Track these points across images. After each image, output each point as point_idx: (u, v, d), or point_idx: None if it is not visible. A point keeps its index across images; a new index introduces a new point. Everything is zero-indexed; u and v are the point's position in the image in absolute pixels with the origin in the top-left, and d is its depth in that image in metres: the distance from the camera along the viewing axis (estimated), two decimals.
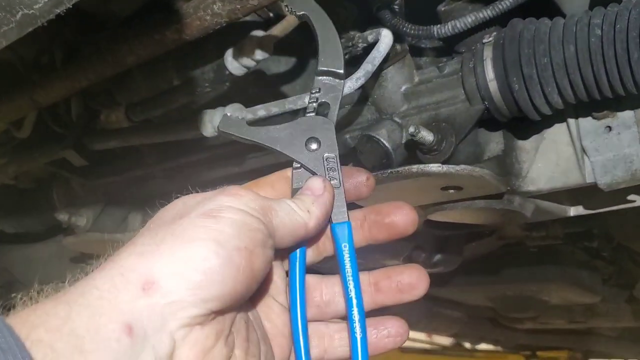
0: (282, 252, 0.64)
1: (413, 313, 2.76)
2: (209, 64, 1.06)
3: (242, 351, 0.55)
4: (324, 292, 0.68)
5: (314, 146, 0.67)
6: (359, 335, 0.62)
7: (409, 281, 0.67)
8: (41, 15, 0.54)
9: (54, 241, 1.78)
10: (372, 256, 1.64)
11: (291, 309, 0.63)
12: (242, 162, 1.27)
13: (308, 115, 0.69)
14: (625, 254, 2.00)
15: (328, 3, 0.75)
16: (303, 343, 0.61)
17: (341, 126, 1.10)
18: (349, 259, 0.64)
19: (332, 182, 0.65)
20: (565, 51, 0.86)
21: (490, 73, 0.92)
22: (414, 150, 0.99)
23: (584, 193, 1.07)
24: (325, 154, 0.66)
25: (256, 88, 1.11)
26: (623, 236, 1.83)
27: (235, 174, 1.33)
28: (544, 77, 0.87)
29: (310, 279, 0.67)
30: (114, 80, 1.19)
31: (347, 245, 0.65)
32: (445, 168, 0.93)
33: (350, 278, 0.64)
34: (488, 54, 0.93)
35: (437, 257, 1.62)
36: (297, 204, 0.61)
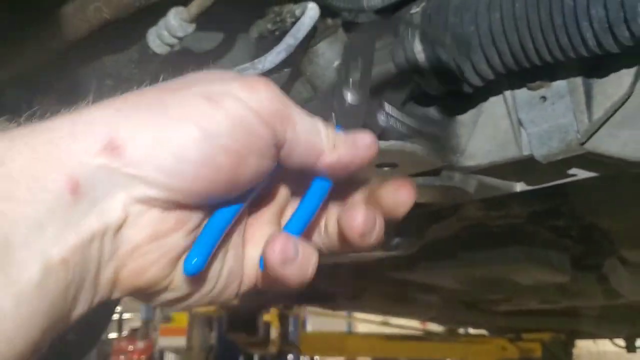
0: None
1: (388, 298, 2.75)
2: (134, 45, 1.03)
3: None
4: None
5: None
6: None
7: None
8: None
9: None
10: None
11: None
12: None
13: None
14: (593, 232, 1.98)
15: None
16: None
17: None
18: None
19: None
20: (492, 18, 0.83)
21: (417, 44, 0.89)
22: None
23: (527, 168, 1.04)
24: None
25: (186, 66, 1.08)
26: (588, 213, 1.82)
27: None
28: (471, 46, 0.84)
29: None
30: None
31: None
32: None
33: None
34: (416, 24, 0.90)
35: (396, 240, 1.60)
36: (327, 131, 0.51)
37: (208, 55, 1.16)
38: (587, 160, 0.96)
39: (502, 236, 1.91)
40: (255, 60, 0.87)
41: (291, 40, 0.87)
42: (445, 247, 1.97)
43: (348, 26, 1.05)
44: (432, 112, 1.01)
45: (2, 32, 1.06)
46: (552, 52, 0.81)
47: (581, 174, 1.06)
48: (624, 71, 0.87)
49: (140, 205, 0.43)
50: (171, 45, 0.94)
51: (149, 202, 0.44)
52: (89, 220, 0.41)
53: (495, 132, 0.99)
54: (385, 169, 0.98)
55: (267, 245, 0.47)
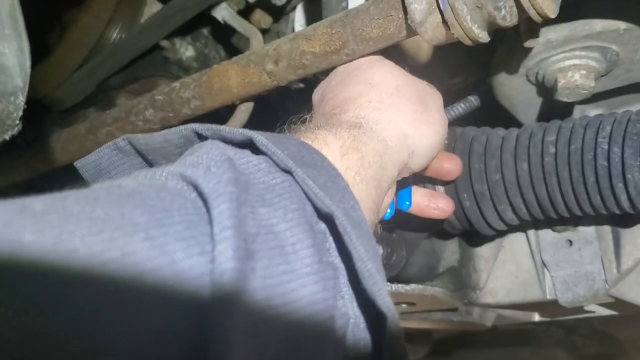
0: None
1: None
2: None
3: None
4: None
5: None
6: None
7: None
8: None
9: None
10: None
11: None
12: None
13: None
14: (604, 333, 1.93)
15: None
16: None
17: None
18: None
19: None
20: (518, 168, 0.80)
21: (440, 187, 0.86)
22: None
23: (548, 305, 1.00)
24: None
25: None
26: (600, 322, 1.77)
27: None
28: (496, 194, 0.81)
29: None
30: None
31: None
32: (394, 288, 0.86)
33: None
34: None
35: None
36: None
37: None
38: (609, 302, 0.93)
39: (512, 335, 1.85)
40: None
41: None
42: (451, 345, 1.91)
43: None
44: (452, 245, 0.97)
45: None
46: (583, 208, 0.77)
47: (600, 311, 1.02)
48: None
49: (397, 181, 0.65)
50: None
51: (401, 180, 0.67)
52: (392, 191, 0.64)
53: (517, 270, 0.95)
54: (403, 305, 0.94)
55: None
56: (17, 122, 0.42)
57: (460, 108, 0.89)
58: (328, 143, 0.54)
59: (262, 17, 1.06)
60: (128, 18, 1.07)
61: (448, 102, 0.91)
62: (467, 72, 0.96)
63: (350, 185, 0.49)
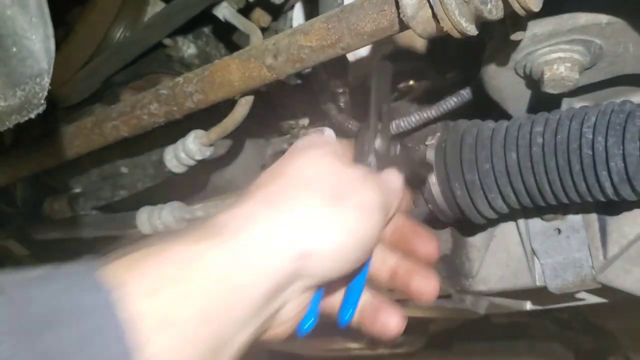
0: None
1: None
2: (153, 157, 1.03)
3: None
4: None
5: None
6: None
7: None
8: None
9: None
10: (332, 338, 1.59)
11: None
12: None
13: None
14: (598, 327, 1.96)
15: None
16: None
17: None
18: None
19: None
20: (507, 158, 0.83)
21: (432, 176, 0.90)
22: None
23: (538, 292, 1.03)
24: None
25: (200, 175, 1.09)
26: (594, 315, 1.80)
27: None
28: (486, 183, 0.85)
29: None
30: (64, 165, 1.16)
31: None
32: None
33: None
34: (430, 157, 0.90)
35: (401, 337, 1.57)
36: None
37: (218, 160, 1.17)
38: (598, 289, 0.96)
39: (506, 329, 1.88)
40: None
41: None
42: (447, 337, 1.95)
43: None
44: (445, 235, 1.00)
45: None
46: (569, 195, 0.81)
47: (590, 298, 1.06)
48: (637, 211, 0.88)
49: (301, 292, 0.54)
50: (188, 166, 0.95)
51: (309, 289, 0.55)
52: (273, 306, 0.51)
53: (508, 258, 0.98)
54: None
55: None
56: (42, 101, 0.46)
57: (452, 102, 0.92)
58: (138, 275, 0.42)
59: (261, 16, 1.10)
60: (132, 17, 1.11)
61: (443, 96, 0.95)
62: (460, 67, 0.99)
63: (150, 334, 0.38)
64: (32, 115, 0.47)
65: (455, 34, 0.65)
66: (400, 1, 0.65)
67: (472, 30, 0.65)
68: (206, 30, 1.15)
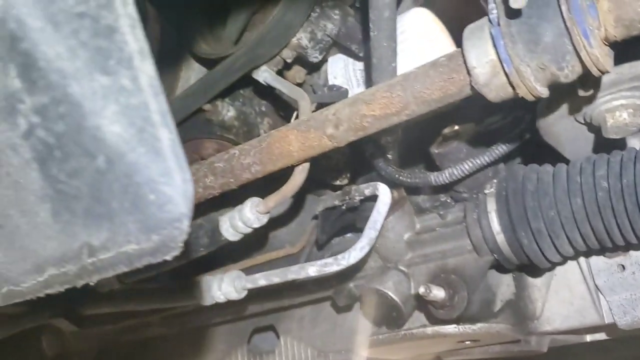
0: None
1: None
2: (207, 226, 1.03)
3: None
4: None
5: None
6: None
7: None
8: (29, 292, 0.51)
9: None
10: None
11: None
12: (242, 310, 1.22)
13: None
14: None
15: None
16: None
17: (345, 276, 1.06)
18: None
19: None
20: (573, 204, 0.83)
21: (496, 226, 0.90)
22: (425, 303, 0.95)
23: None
24: None
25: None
26: None
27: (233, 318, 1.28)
28: (552, 230, 0.85)
29: None
30: None
31: None
32: (462, 329, 0.89)
33: None
34: (492, 206, 0.90)
35: None
36: None
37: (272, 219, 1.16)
38: None
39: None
40: (339, 256, 0.87)
41: (372, 233, 0.87)
42: None
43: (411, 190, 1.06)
44: (507, 279, 1.00)
45: None
46: (638, 235, 0.81)
47: None
48: None
49: None
50: (244, 234, 0.94)
51: None
52: None
53: (572, 297, 0.98)
54: (468, 342, 0.97)
55: None
56: (180, 244, 0.45)
57: (504, 147, 0.92)
58: None
59: (297, 72, 1.10)
60: (165, 87, 1.11)
61: (487, 141, 0.95)
62: (504, 112, 1.00)
63: None
64: (168, 258, 0.46)
65: (530, 98, 0.66)
66: (472, 70, 0.65)
67: (544, 92, 0.65)
68: (241, 90, 1.15)
